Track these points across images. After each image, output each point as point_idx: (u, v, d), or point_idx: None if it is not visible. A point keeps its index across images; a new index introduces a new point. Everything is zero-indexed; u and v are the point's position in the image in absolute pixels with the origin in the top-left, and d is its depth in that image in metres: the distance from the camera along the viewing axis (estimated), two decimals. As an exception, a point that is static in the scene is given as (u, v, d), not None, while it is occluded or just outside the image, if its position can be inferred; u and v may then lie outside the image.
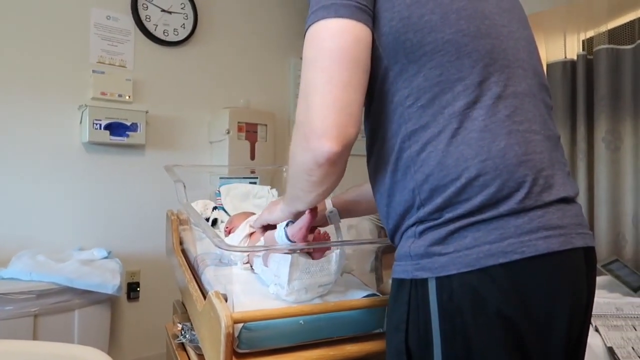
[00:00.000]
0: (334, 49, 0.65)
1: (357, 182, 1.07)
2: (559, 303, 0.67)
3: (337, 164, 0.69)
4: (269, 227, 1.06)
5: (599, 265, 1.68)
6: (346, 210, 1.09)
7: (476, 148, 0.66)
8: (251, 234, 1.12)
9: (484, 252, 0.64)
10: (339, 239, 1.12)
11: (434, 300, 0.66)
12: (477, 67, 0.68)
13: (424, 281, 0.67)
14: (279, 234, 0.96)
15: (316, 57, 0.66)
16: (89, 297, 1.89)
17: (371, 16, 0.69)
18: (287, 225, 0.96)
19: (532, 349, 0.66)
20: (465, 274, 0.64)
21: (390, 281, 0.96)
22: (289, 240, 0.94)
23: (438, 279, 0.66)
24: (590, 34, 2.07)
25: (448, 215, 0.66)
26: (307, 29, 0.69)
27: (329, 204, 1.08)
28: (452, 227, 0.66)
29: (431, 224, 0.68)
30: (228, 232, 1.28)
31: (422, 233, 0.69)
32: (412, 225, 0.71)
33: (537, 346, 0.66)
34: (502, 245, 0.64)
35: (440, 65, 0.68)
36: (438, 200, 0.67)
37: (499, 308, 0.64)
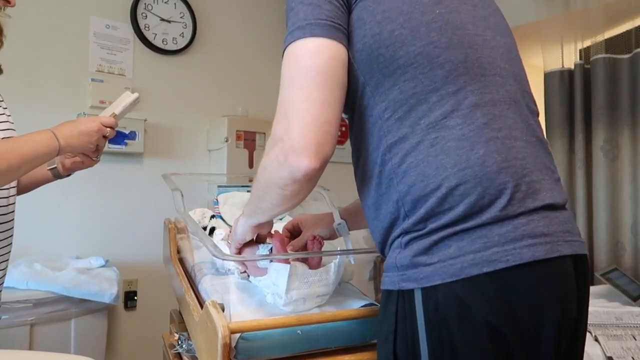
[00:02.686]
0: (311, 67, 0.66)
1: (354, 189, 1.06)
2: (546, 312, 0.66)
3: (312, 179, 0.69)
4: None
5: (598, 274, 1.68)
6: (355, 222, 1.08)
7: (455, 157, 0.66)
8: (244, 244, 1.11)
9: (468, 262, 0.63)
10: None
11: (420, 311, 0.66)
12: (450, 77, 0.69)
13: (410, 292, 0.67)
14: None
15: (294, 76, 0.68)
16: (86, 306, 1.88)
17: (346, 34, 0.72)
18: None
19: (520, 359, 0.65)
20: (450, 283, 0.64)
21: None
22: None
23: (424, 289, 0.66)
24: (587, 43, 2.08)
25: (432, 226, 0.66)
26: (284, 49, 0.70)
27: (337, 216, 1.07)
28: (436, 237, 0.66)
29: (416, 234, 0.68)
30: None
31: (407, 244, 0.69)
32: (398, 236, 0.71)
33: (525, 356, 0.65)
34: (486, 254, 0.63)
35: (414, 77, 0.69)
36: (421, 211, 0.67)
37: (486, 318, 0.63)
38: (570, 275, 0.70)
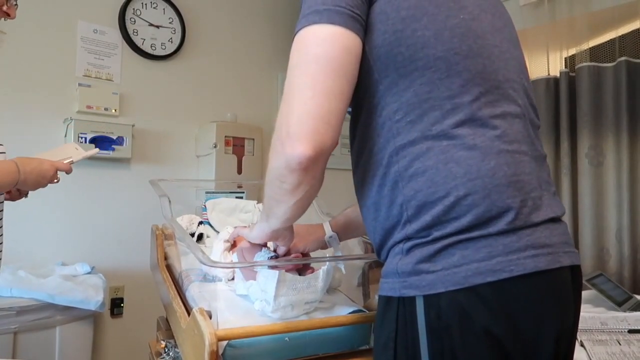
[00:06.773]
0: (320, 55, 0.64)
1: (343, 195, 1.06)
2: (546, 322, 0.67)
3: (310, 170, 0.66)
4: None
5: (583, 280, 1.69)
6: (346, 233, 1.08)
7: (465, 167, 0.66)
8: (232, 247, 1.10)
9: (472, 271, 0.63)
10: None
11: (422, 318, 0.65)
12: (467, 86, 0.68)
13: (412, 299, 0.67)
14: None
15: (301, 62, 0.65)
16: (71, 314, 1.85)
17: (363, 26, 0.69)
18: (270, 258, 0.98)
19: None
20: (453, 292, 0.63)
21: (377, 297, 0.95)
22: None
23: (426, 297, 0.65)
24: (572, 51, 2.11)
25: (436, 234, 0.66)
26: (296, 32, 0.67)
27: (327, 228, 1.08)
28: (440, 244, 0.66)
29: (419, 241, 0.68)
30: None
31: (409, 250, 0.69)
32: (400, 242, 0.70)
33: None
34: (490, 263, 0.63)
35: (431, 82, 0.67)
36: (426, 218, 0.67)
37: (487, 327, 0.63)
38: (569, 285, 0.71)
